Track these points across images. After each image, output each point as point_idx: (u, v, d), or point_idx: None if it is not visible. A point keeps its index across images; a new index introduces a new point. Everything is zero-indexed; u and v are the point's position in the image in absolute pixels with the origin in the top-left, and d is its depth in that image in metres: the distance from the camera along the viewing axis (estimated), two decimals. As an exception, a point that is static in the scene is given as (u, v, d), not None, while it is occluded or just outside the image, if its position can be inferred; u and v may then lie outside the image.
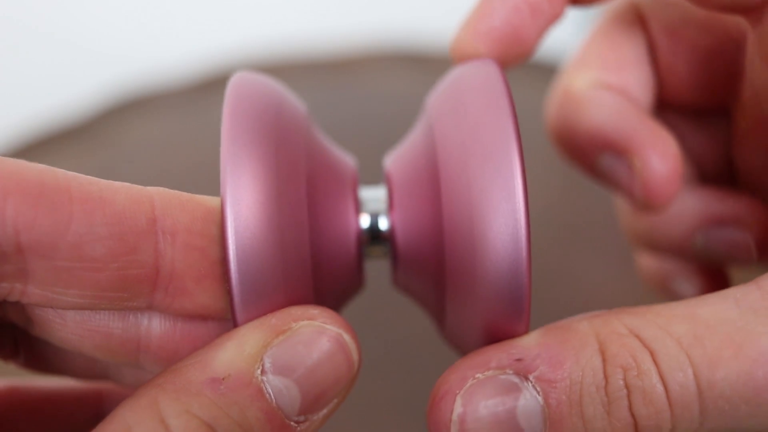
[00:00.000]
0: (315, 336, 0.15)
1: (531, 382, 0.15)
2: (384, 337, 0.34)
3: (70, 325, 0.16)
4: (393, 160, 0.18)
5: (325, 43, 0.59)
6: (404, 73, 0.56)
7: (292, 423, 0.14)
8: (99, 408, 0.19)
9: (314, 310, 0.15)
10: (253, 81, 0.17)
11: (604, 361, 0.15)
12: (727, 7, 0.19)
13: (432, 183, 0.17)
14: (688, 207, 0.23)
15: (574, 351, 0.15)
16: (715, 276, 0.25)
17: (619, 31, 0.23)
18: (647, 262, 0.27)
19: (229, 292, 0.15)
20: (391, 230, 0.17)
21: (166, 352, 0.16)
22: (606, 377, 0.15)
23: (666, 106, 0.24)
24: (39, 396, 0.18)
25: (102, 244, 0.14)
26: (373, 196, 0.18)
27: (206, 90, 0.56)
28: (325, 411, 0.15)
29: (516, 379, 0.15)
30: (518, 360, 0.15)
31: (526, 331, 0.16)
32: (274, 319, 0.15)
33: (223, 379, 0.14)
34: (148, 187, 0.15)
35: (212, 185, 0.50)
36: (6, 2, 0.66)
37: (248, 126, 0.16)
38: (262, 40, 0.59)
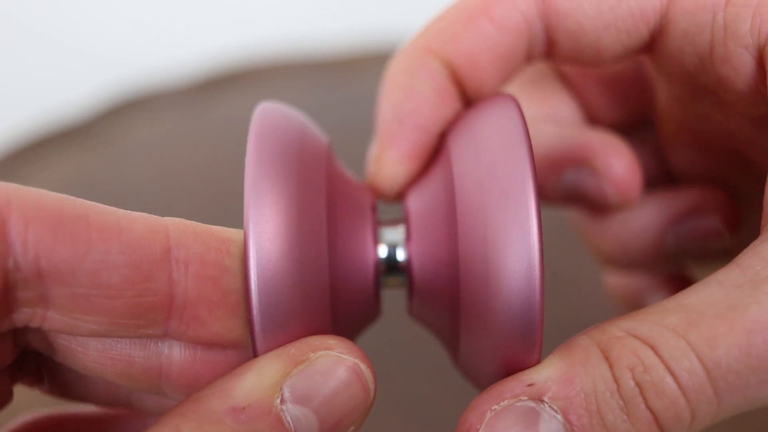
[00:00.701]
0: (332, 366, 0.15)
1: (547, 404, 0.15)
2: (386, 337, 0.34)
3: (92, 353, 0.16)
4: (412, 193, 0.19)
5: (324, 43, 0.59)
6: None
7: None
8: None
9: (332, 341, 0.16)
10: (277, 112, 0.17)
11: (610, 366, 0.15)
12: (622, 58, 0.20)
13: (449, 218, 0.17)
14: (650, 214, 0.24)
15: (580, 364, 0.15)
16: (683, 284, 0.26)
17: (535, 77, 0.25)
18: (615, 281, 0.27)
19: (249, 322, 0.15)
20: (408, 261, 0.18)
21: (187, 379, 0.16)
22: (616, 380, 0.15)
23: (596, 125, 0.25)
24: (77, 421, 0.19)
25: (118, 272, 0.14)
26: (392, 227, 0.18)
27: (207, 90, 0.56)
28: None
29: (532, 404, 0.15)
30: (530, 385, 0.15)
31: (540, 340, 0.16)
32: (293, 350, 0.15)
33: (244, 408, 0.14)
34: (164, 218, 0.15)
35: (212, 184, 0.50)
36: (8, 5, 0.66)
37: (271, 159, 0.16)
38: (262, 41, 0.59)
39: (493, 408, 0.16)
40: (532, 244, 0.15)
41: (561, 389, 0.15)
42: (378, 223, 0.18)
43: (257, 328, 0.15)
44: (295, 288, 0.15)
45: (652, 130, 0.25)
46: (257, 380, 0.15)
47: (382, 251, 0.18)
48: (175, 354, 0.16)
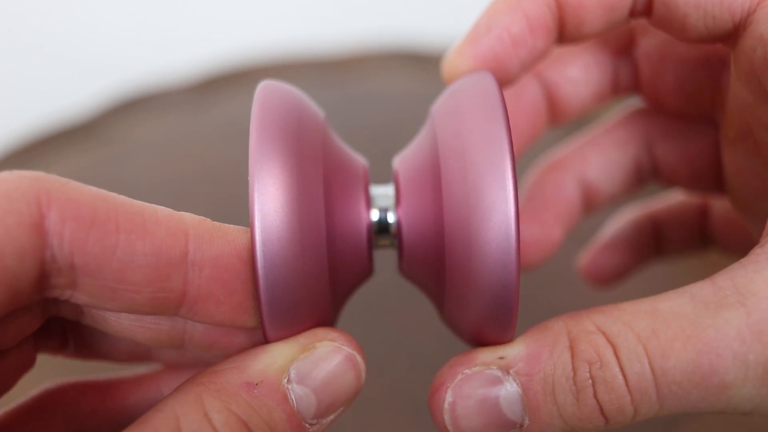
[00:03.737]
0: (333, 354, 0.18)
1: (511, 376, 0.17)
2: (385, 335, 0.35)
3: (125, 322, 0.18)
4: (400, 161, 0.20)
5: (324, 44, 0.60)
6: (404, 71, 0.57)
7: (307, 425, 0.17)
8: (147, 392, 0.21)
9: (334, 333, 0.18)
10: (277, 89, 0.19)
11: (572, 356, 0.17)
12: (704, 39, 0.21)
13: (434, 183, 0.18)
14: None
15: (548, 348, 0.17)
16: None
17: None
18: (586, 261, 0.30)
19: (259, 310, 0.17)
20: (398, 223, 0.19)
21: (208, 340, 0.19)
22: (574, 370, 0.17)
23: (659, 110, 0.26)
24: (98, 387, 0.20)
25: (140, 271, 0.16)
26: (383, 192, 0.20)
27: (208, 89, 0.56)
28: (332, 416, 0.18)
29: (499, 373, 0.18)
30: (501, 358, 0.18)
31: (514, 322, 0.18)
32: (302, 338, 0.18)
33: (257, 384, 0.17)
34: (186, 217, 0.17)
35: (213, 182, 0.50)
36: (10, 7, 0.66)
37: (273, 136, 0.17)
38: (264, 43, 0.59)
39: (465, 371, 0.18)
40: (509, 205, 0.17)
41: (525, 366, 0.17)
42: (369, 189, 0.20)
43: (266, 315, 0.17)
44: (296, 258, 0.17)
45: (715, 127, 0.25)
46: (269, 361, 0.17)
47: (374, 215, 0.19)
48: (198, 324, 0.18)
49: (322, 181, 0.18)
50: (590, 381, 0.17)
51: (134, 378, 0.21)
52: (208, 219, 0.17)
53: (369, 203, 0.19)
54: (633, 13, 0.22)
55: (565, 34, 0.22)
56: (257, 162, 0.17)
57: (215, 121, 0.53)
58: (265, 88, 0.19)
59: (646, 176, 0.27)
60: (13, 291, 0.15)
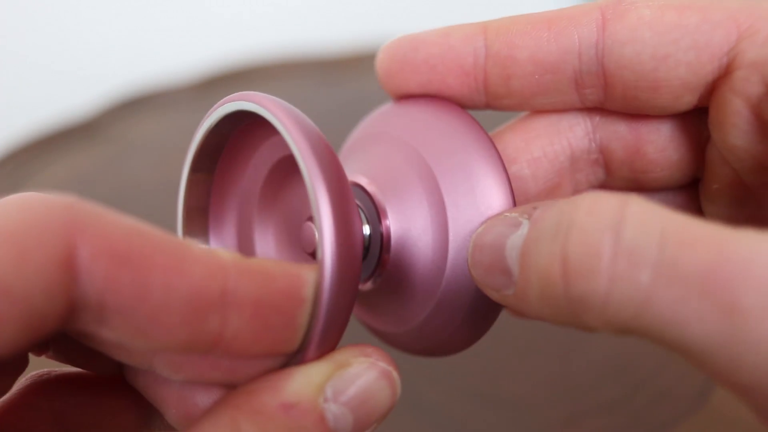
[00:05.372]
0: (369, 370, 0.17)
1: (528, 221, 0.17)
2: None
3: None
4: (368, 177, 0.20)
5: (325, 44, 0.60)
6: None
7: None
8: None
9: (369, 349, 0.17)
10: (298, 113, 0.18)
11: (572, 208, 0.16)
12: (676, 99, 0.19)
13: (428, 190, 0.19)
14: None
15: (562, 202, 0.16)
16: None
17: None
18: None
19: (311, 334, 0.17)
20: (383, 236, 0.19)
21: (178, 359, 0.17)
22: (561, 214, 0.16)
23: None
24: (88, 381, 0.19)
25: (176, 312, 0.15)
26: (365, 207, 0.19)
27: (210, 88, 0.56)
28: None
29: (522, 219, 0.17)
30: (534, 207, 0.17)
31: None
32: (338, 356, 0.17)
33: (293, 405, 0.16)
34: (222, 254, 0.16)
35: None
36: (10, 7, 0.66)
37: (327, 175, 0.16)
38: (263, 41, 0.59)
39: (505, 215, 0.18)
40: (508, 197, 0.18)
41: (540, 213, 0.17)
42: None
43: (317, 336, 0.16)
44: (351, 289, 0.17)
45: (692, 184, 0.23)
46: (306, 380, 0.16)
47: (366, 230, 0.19)
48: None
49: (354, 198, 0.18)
50: (567, 227, 0.15)
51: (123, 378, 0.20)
52: (243, 256, 0.16)
53: (361, 220, 0.19)
54: (580, 85, 0.20)
55: (491, 87, 0.20)
56: (320, 194, 0.16)
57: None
58: (280, 106, 0.18)
59: None
60: (40, 329, 0.14)
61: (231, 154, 0.21)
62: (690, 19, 0.19)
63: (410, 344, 0.20)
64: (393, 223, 0.19)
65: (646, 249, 0.14)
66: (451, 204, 0.18)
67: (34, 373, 0.18)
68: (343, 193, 0.16)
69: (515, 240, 0.17)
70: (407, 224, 0.19)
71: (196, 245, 0.15)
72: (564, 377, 0.34)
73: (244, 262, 0.16)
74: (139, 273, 0.14)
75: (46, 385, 0.18)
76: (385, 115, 0.21)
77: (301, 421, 0.16)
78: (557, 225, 0.16)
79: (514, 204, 0.18)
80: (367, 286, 0.20)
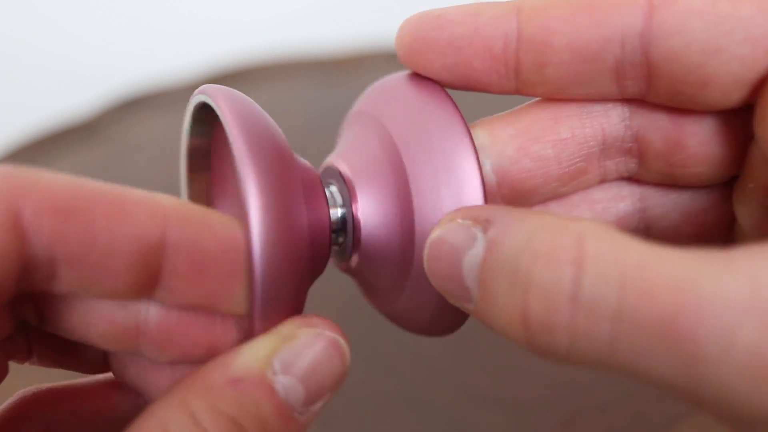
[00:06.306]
0: (316, 341, 0.17)
1: (483, 238, 0.16)
2: (390, 335, 0.35)
3: (76, 316, 0.17)
4: (343, 162, 0.20)
5: (324, 44, 0.60)
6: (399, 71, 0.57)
7: (296, 414, 0.17)
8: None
9: (315, 319, 0.18)
10: (245, 102, 0.18)
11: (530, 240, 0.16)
12: (726, 95, 0.18)
13: (395, 173, 0.19)
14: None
15: (518, 221, 0.16)
16: None
17: None
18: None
19: (251, 303, 0.17)
20: (355, 219, 0.20)
21: (162, 336, 0.18)
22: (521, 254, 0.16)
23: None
24: (76, 393, 0.20)
25: (121, 258, 0.16)
26: (336, 192, 0.20)
27: (209, 88, 0.56)
28: (320, 403, 0.17)
29: (477, 231, 0.17)
30: (487, 220, 0.17)
31: None
32: (283, 328, 0.17)
33: (242, 379, 0.16)
34: (164, 200, 0.16)
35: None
36: (11, 8, 0.66)
37: (257, 148, 0.17)
38: (262, 42, 0.59)
39: (458, 220, 0.17)
40: (478, 184, 0.18)
41: (498, 232, 0.16)
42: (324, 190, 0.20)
43: (257, 309, 0.17)
44: (288, 253, 0.17)
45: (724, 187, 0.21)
46: (252, 354, 0.17)
47: (334, 213, 0.20)
48: (152, 314, 0.17)
49: (300, 180, 0.18)
50: (526, 280, 0.15)
51: (112, 381, 0.20)
52: (188, 201, 0.17)
53: (328, 203, 0.20)
54: (621, 76, 0.19)
55: (523, 73, 0.19)
56: (249, 185, 0.17)
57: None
58: (228, 97, 0.18)
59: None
60: None
61: (218, 151, 0.22)
62: (745, 9, 0.17)
63: (406, 323, 0.21)
64: (362, 208, 0.19)
65: (606, 300, 0.14)
66: (417, 192, 0.18)
67: (24, 389, 0.19)
68: (275, 173, 0.17)
69: (472, 259, 0.16)
70: (376, 209, 0.19)
71: (138, 193, 0.16)
72: (563, 377, 0.34)
73: (184, 207, 0.17)
74: (83, 223, 0.15)
75: (36, 398, 0.19)
76: (377, 90, 0.21)
77: (251, 394, 0.16)
78: (515, 273, 0.15)
79: (484, 194, 0.18)
80: (354, 260, 0.20)
